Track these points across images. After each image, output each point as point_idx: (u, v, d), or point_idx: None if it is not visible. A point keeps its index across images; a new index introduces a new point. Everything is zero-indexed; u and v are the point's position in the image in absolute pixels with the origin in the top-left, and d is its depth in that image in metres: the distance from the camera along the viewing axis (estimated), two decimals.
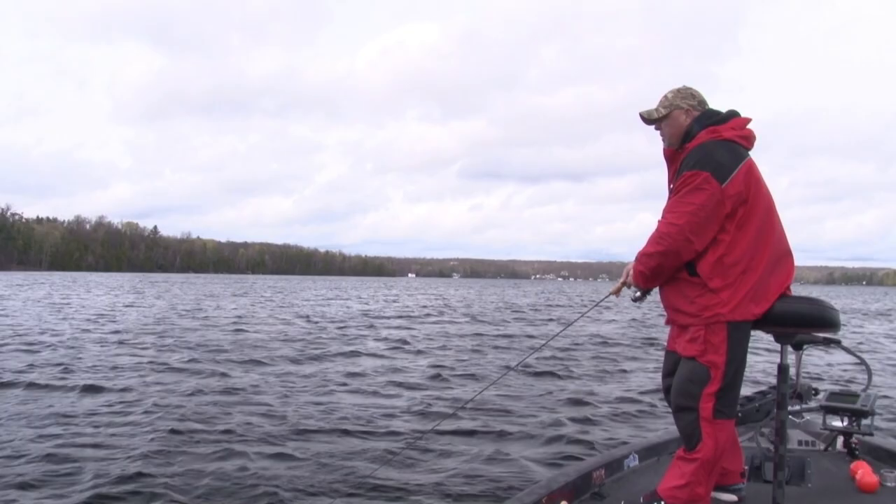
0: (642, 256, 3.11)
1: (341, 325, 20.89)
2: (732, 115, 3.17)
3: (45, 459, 5.54)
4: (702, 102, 3.22)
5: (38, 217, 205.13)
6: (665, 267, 3.06)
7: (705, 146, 3.04)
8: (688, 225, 2.95)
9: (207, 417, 7.18)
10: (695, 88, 3.26)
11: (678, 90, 3.25)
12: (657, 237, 3.05)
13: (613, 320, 23.78)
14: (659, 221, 3.11)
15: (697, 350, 3.02)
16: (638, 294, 3.25)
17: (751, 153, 3.15)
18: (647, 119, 3.29)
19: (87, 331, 16.44)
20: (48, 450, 5.76)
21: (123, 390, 8.63)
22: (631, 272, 3.24)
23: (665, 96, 3.26)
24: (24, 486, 4.94)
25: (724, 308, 2.98)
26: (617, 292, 3.42)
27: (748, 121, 3.18)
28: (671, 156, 3.26)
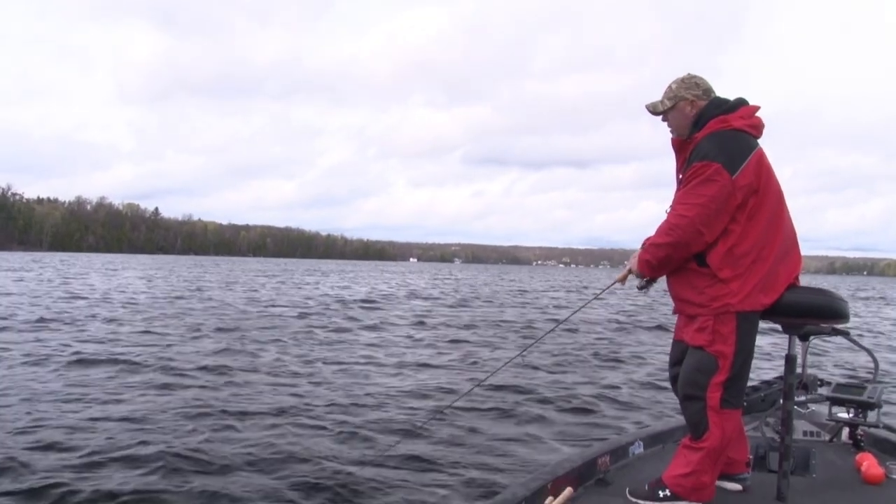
0: (651, 246, 3.10)
1: (350, 305, 21.08)
2: (741, 103, 3.14)
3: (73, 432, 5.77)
4: (707, 91, 3.18)
5: (38, 197, 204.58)
6: (673, 258, 3.05)
7: (715, 136, 3.01)
8: (698, 217, 2.92)
9: (229, 393, 7.53)
10: (699, 76, 3.22)
11: (682, 80, 3.20)
12: (667, 228, 3.02)
13: (619, 305, 23.84)
14: (668, 212, 3.09)
15: (706, 340, 3.02)
16: (643, 282, 3.24)
17: (759, 141, 3.12)
18: (653, 112, 3.26)
19: (104, 310, 16.52)
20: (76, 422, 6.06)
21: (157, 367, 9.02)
22: (636, 261, 3.23)
23: (669, 87, 3.22)
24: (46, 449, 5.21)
25: (733, 298, 2.97)
26: (623, 280, 3.40)
27: (757, 108, 3.14)
28: (679, 145, 3.23)
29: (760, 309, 3.01)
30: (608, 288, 3.74)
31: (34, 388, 7.44)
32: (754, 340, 3.07)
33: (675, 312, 3.28)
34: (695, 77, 3.22)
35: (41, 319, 14.18)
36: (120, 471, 4.88)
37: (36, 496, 4.39)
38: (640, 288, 3.28)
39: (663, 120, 3.27)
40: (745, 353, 3.02)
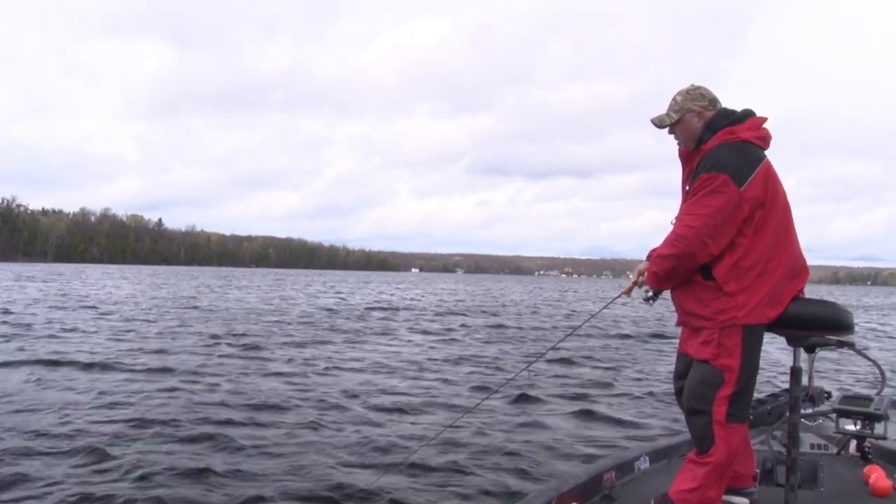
0: (657, 258, 3.07)
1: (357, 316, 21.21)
2: (748, 114, 3.10)
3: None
4: (713, 101, 3.15)
5: (42, 209, 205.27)
6: (679, 269, 3.02)
7: (723, 148, 2.99)
8: (704, 228, 2.90)
9: (245, 398, 7.88)
10: (704, 87, 3.19)
11: (687, 91, 3.17)
12: (673, 239, 3.00)
13: (626, 317, 23.82)
14: (675, 223, 3.07)
15: (711, 353, 2.99)
16: (650, 294, 3.22)
17: (766, 153, 3.10)
18: (660, 125, 3.22)
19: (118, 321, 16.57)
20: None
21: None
22: (644, 272, 3.21)
23: (674, 99, 3.19)
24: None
25: (739, 312, 2.94)
26: (628, 292, 3.38)
27: (764, 120, 3.11)
28: (687, 156, 3.20)
29: (766, 322, 2.98)
30: (613, 300, 3.72)
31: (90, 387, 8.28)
32: (760, 353, 3.05)
33: (678, 324, 3.25)
34: (699, 88, 3.18)
35: (73, 328, 15.04)
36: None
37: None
38: (646, 300, 3.26)
39: (670, 132, 3.24)
40: (750, 366, 2.99)
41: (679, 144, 3.25)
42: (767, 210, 2.97)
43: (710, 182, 2.92)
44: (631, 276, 3.35)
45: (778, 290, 2.98)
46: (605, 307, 3.98)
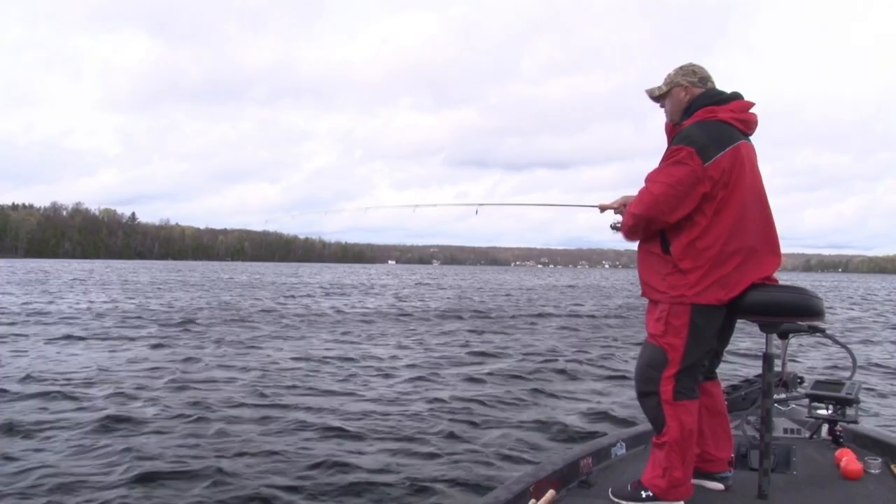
0: (627, 214, 3.18)
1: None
2: (734, 97, 3.17)
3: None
4: (704, 79, 3.21)
5: (13, 203, 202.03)
6: (639, 228, 3.13)
7: (697, 125, 3.06)
8: (663, 196, 2.97)
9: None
10: (699, 65, 3.26)
11: (681, 67, 3.25)
12: (637, 201, 3.10)
13: (604, 304, 23.96)
14: (642, 188, 3.15)
15: (659, 330, 3.06)
16: (618, 225, 3.32)
17: (751, 139, 3.17)
18: (650, 95, 3.33)
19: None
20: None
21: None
22: (626, 204, 3.28)
23: (669, 74, 3.28)
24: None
25: (690, 290, 2.99)
26: (603, 209, 3.49)
27: (750, 105, 3.17)
28: (671, 130, 3.29)
29: (717, 303, 3.02)
30: (585, 206, 3.77)
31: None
32: (712, 334, 3.08)
33: (642, 295, 3.31)
34: (694, 66, 3.25)
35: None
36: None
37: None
38: (613, 227, 3.36)
39: (661, 105, 3.33)
40: (697, 347, 3.03)
41: (666, 117, 3.33)
42: (730, 192, 3.01)
43: (676, 153, 3.00)
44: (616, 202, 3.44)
45: (735, 273, 3.01)
46: (573, 205, 4.03)
